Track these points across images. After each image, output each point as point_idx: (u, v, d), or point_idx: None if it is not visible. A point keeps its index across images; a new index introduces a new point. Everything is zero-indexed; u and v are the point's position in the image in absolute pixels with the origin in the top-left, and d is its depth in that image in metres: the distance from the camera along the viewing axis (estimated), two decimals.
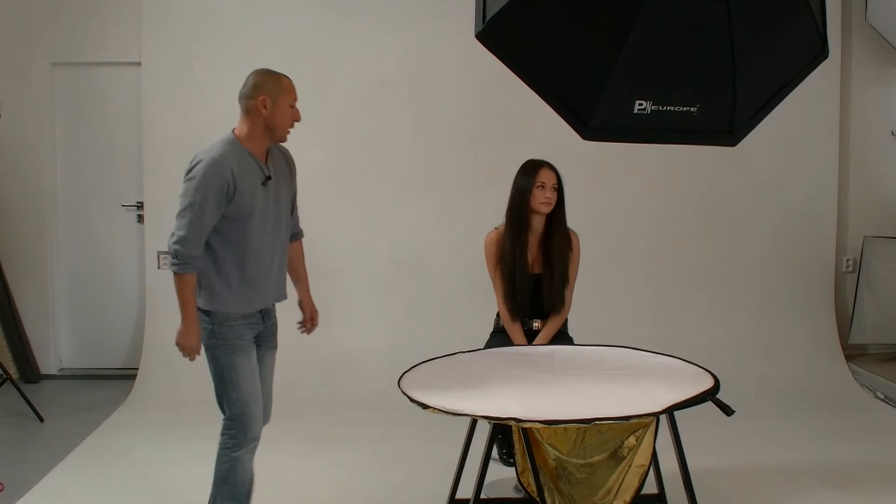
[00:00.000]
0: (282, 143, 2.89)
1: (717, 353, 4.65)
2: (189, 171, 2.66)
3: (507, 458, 3.60)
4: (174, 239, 2.64)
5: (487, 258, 3.59)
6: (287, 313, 3.06)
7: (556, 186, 3.45)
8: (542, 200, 3.42)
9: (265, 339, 2.92)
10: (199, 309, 2.74)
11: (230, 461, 2.75)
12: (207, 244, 2.71)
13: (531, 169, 3.47)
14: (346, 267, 5.22)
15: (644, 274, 5.37)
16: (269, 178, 2.76)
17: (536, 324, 3.56)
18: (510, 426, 2.71)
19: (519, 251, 3.47)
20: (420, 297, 5.27)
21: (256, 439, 2.79)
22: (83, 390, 5.17)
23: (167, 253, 2.69)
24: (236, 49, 5.19)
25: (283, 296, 2.94)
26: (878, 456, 3.96)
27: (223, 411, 2.77)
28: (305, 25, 5.24)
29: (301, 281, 3.09)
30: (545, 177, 3.44)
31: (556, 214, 3.50)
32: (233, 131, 2.77)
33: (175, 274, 2.66)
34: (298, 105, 2.78)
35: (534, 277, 3.52)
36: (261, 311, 2.85)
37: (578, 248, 3.60)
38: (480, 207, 5.09)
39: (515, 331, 3.53)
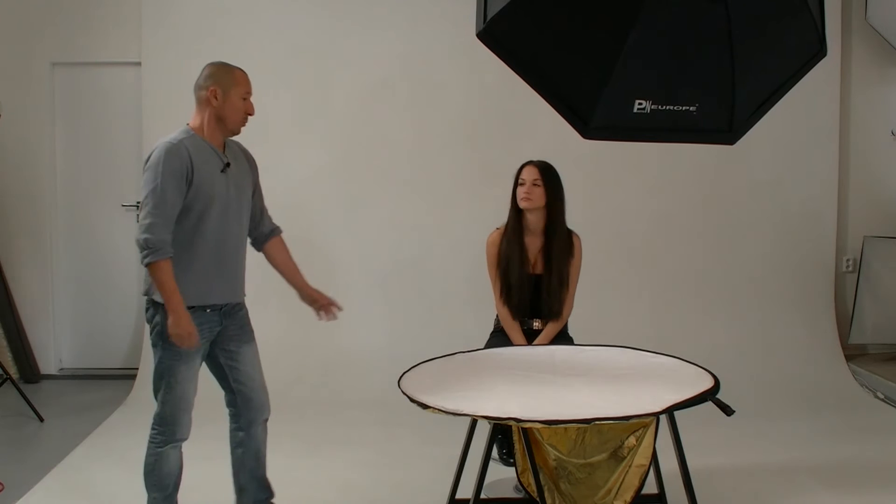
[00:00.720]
0: (236, 139, 2.89)
1: (716, 353, 4.65)
2: (147, 161, 2.67)
3: (507, 458, 3.60)
4: (141, 229, 2.60)
5: (487, 258, 3.60)
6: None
7: (538, 182, 3.43)
8: (521, 196, 3.45)
9: (234, 335, 2.87)
10: (151, 300, 2.72)
11: (155, 455, 2.79)
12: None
13: (519, 168, 3.53)
14: (346, 267, 5.22)
15: (644, 274, 5.37)
16: (227, 164, 2.75)
17: (537, 323, 3.57)
18: (510, 426, 2.71)
19: (517, 250, 3.48)
20: (420, 297, 5.27)
21: (183, 439, 2.80)
22: (83, 390, 5.17)
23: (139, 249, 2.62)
24: (236, 49, 5.17)
25: (241, 294, 2.91)
26: (878, 456, 3.96)
27: (155, 403, 2.78)
28: (305, 25, 5.24)
29: (295, 274, 3.04)
30: (525, 173, 3.47)
31: (552, 212, 3.48)
32: (187, 124, 2.77)
33: (150, 266, 2.60)
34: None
35: (534, 278, 3.52)
36: (220, 311, 2.80)
37: (580, 252, 3.58)
38: (480, 207, 5.10)
39: (514, 329, 3.53)
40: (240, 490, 3.01)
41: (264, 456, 3.02)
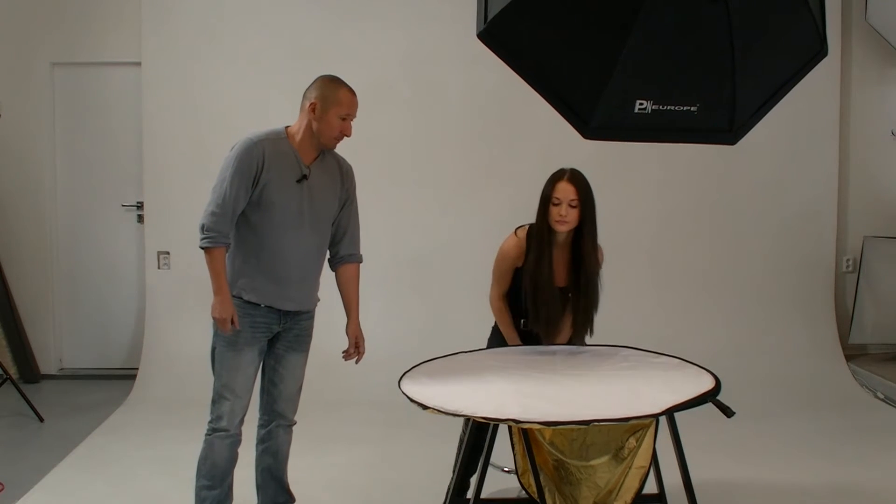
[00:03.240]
0: (339, 155, 2.93)
1: (717, 353, 4.65)
2: (231, 150, 2.74)
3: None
4: (203, 215, 2.70)
5: (501, 263, 3.25)
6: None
7: (574, 203, 3.05)
8: (556, 219, 3.05)
9: (289, 340, 2.92)
10: None
11: (206, 443, 2.84)
12: (235, 228, 2.75)
13: (552, 180, 3.12)
14: None
15: (644, 274, 5.37)
16: (304, 176, 2.77)
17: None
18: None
19: (547, 269, 3.13)
20: (420, 296, 5.27)
21: (227, 431, 2.81)
22: (83, 390, 5.17)
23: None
24: (236, 49, 5.19)
25: (304, 306, 2.91)
26: (877, 456, 3.96)
27: None
28: (305, 25, 5.24)
29: (350, 307, 3.04)
30: (561, 192, 3.05)
31: (586, 232, 3.14)
32: (285, 127, 2.82)
33: (204, 249, 2.69)
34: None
35: (560, 291, 3.22)
36: (279, 312, 2.84)
37: (603, 260, 3.34)
38: (481, 207, 5.10)
39: (508, 326, 3.31)
40: (259, 488, 3.06)
41: (285, 458, 3.05)
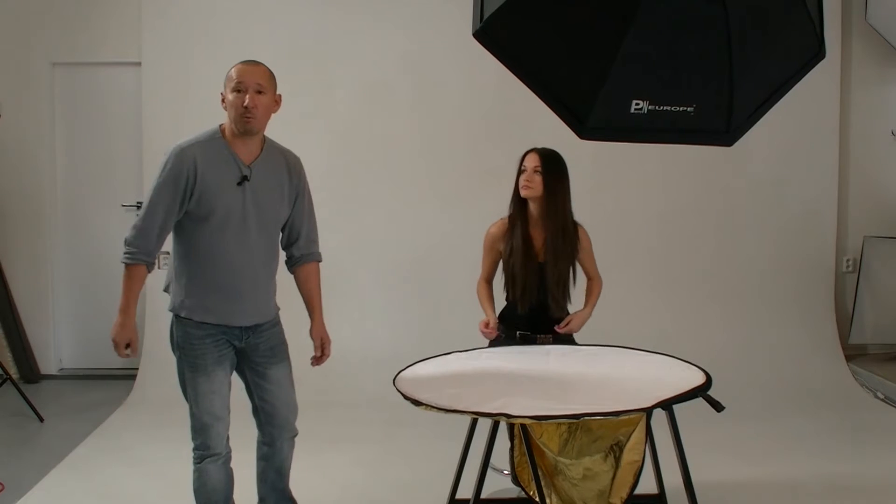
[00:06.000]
0: (285, 148, 2.78)
1: (717, 353, 4.66)
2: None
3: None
4: (129, 228, 2.57)
5: (484, 246, 3.50)
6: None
7: (538, 169, 3.27)
8: (522, 184, 3.29)
9: (263, 356, 2.76)
10: (170, 311, 2.68)
11: (198, 472, 2.71)
12: (175, 243, 2.64)
13: (522, 155, 3.39)
14: (346, 267, 5.22)
15: (643, 274, 5.36)
16: (245, 177, 2.58)
17: (542, 338, 3.42)
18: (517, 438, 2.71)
19: (521, 240, 3.32)
20: (420, 296, 5.27)
21: (219, 454, 2.70)
22: (83, 390, 5.17)
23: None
24: (236, 49, 5.17)
25: (262, 318, 2.74)
26: (878, 456, 3.96)
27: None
28: (305, 25, 5.24)
29: (313, 308, 2.88)
30: (527, 160, 3.32)
31: (550, 202, 3.29)
32: (220, 125, 2.65)
33: (124, 265, 2.56)
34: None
35: (539, 266, 3.35)
36: (238, 328, 2.68)
37: (588, 239, 3.46)
38: (480, 207, 5.08)
39: (482, 300, 3.50)
40: (261, 500, 2.97)
41: (287, 471, 2.95)
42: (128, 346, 2.61)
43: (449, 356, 3.13)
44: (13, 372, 5.12)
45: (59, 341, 5.54)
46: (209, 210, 2.55)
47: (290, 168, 2.75)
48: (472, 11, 2.13)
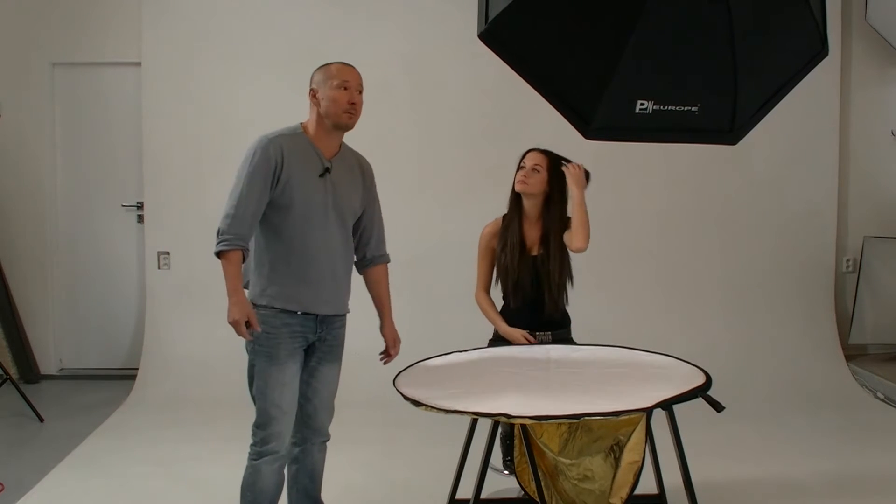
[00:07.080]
0: (358, 153, 2.86)
1: (717, 353, 4.66)
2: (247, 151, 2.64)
3: (510, 463, 3.56)
4: (220, 218, 2.57)
5: (479, 247, 3.55)
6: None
7: (538, 168, 3.33)
8: (518, 179, 3.35)
9: (323, 352, 2.79)
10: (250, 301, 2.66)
11: (252, 468, 2.69)
12: (258, 234, 2.66)
13: (523, 153, 3.44)
14: None
15: (643, 273, 5.37)
16: (327, 170, 2.68)
17: (542, 335, 3.43)
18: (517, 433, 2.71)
19: (515, 234, 3.37)
20: (420, 296, 5.27)
21: (277, 453, 2.68)
22: (83, 390, 5.17)
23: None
24: (236, 49, 5.19)
25: (339, 309, 2.79)
26: (877, 456, 3.96)
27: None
28: (305, 25, 5.24)
29: (383, 308, 2.95)
30: (527, 159, 3.38)
31: (550, 199, 3.35)
32: (300, 123, 2.73)
33: (219, 255, 2.54)
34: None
35: (532, 259, 3.39)
36: (315, 319, 2.71)
37: None
38: (481, 208, 5.07)
39: (488, 313, 3.49)
40: None
41: (320, 476, 2.95)
42: (248, 324, 2.56)
43: (449, 356, 3.13)
44: (13, 372, 5.12)
45: (59, 341, 5.54)
46: (291, 199, 2.62)
47: (363, 171, 2.89)
48: (477, 12, 2.13)
